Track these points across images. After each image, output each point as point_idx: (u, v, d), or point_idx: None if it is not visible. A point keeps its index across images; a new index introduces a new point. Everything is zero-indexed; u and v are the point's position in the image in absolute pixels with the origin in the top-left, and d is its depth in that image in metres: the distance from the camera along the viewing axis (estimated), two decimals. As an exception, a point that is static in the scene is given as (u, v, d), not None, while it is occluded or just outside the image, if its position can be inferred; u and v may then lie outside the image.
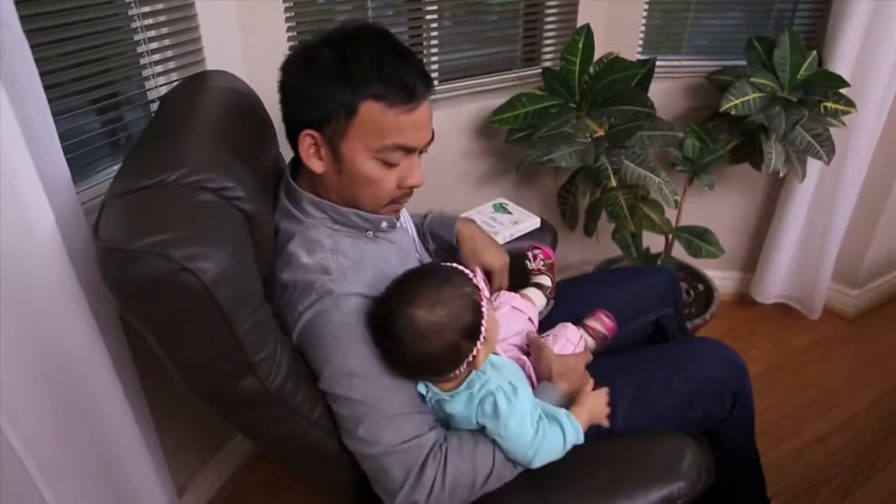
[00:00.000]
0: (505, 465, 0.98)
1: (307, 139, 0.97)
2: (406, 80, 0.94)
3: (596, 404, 1.05)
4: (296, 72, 0.97)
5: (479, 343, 0.93)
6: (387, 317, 0.92)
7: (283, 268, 0.99)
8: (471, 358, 0.93)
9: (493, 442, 0.97)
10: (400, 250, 1.09)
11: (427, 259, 1.21)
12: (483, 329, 0.93)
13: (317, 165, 0.99)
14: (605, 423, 1.06)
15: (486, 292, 0.95)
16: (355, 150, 0.96)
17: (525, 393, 0.98)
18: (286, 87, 0.99)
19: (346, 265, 0.97)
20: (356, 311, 0.94)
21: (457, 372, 0.95)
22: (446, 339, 0.91)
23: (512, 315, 1.20)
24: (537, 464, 0.97)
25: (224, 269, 0.79)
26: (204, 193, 0.86)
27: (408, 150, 0.99)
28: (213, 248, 0.79)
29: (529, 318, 1.22)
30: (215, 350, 0.85)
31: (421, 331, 0.90)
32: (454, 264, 0.98)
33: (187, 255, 0.76)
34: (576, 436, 0.98)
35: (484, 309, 0.93)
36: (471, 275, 0.96)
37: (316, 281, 0.95)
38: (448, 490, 0.94)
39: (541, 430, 0.95)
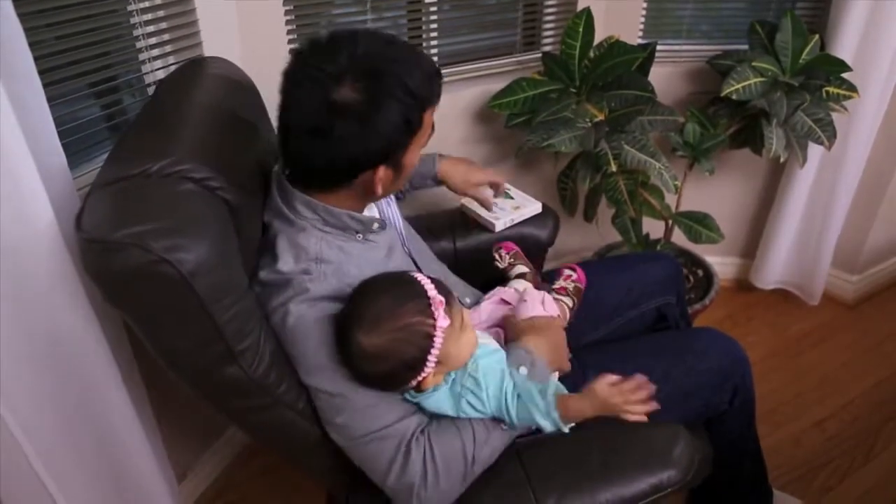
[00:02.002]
0: (490, 431, 0.98)
1: (378, 173, 0.94)
2: (436, 71, 0.94)
3: (600, 392, 0.97)
4: (355, 126, 0.88)
5: (423, 372, 0.91)
6: (338, 330, 0.92)
7: (265, 265, 0.99)
8: (418, 379, 0.92)
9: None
10: (386, 250, 1.08)
11: (415, 250, 1.20)
12: (431, 360, 0.90)
13: (380, 189, 0.97)
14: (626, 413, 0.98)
15: (442, 321, 0.90)
16: (413, 154, 0.97)
17: (485, 368, 0.97)
18: (346, 146, 0.90)
19: (327, 272, 0.97)
20: (327, 312, 0.94)
21: (411, 385, 0.95)
22: (386, 365, 0.90)
23: (498, 307, 1.20)
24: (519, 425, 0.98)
25: (203, 259, 0.79)
26: (187, 184, 0.86)
27: None
28: (192, 239, 0.79)
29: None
30: (196, 339, 0.85)
31: (365, 352, 0.88)
32: (421, 280, 0.94)
33: (166, 247, 0.76)
34: (546, 419, 0.94)
35: (436, 339, 0.89)
36: (431, 300, 0.90)
37: (294, 279, 0.95)
38: (441, 467, 0.94)
39: (509, 410, 0.96)
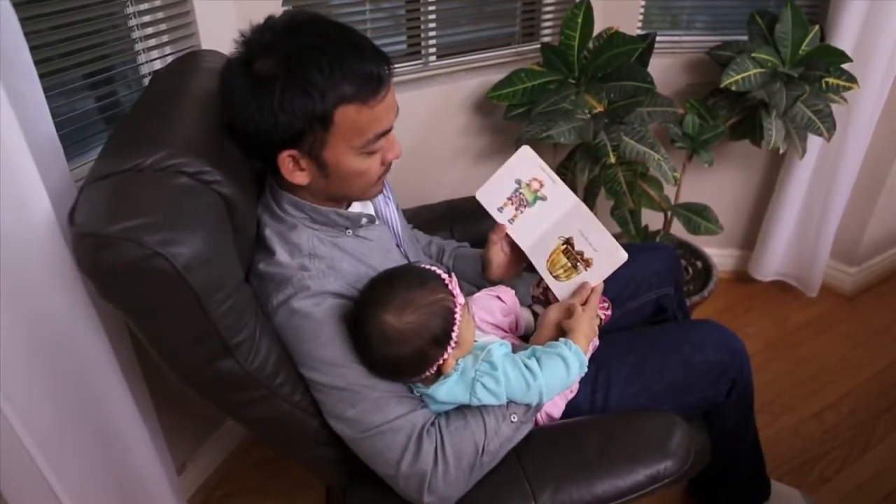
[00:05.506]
0: (500, 423, 0.98)
1: (287, 160, 0.94)
2: (371, 71, 0.89)
3: (585, 324, 1.05)
4: (248, 98, 0.89)
5: (448, 350, 0.94)
6: (358, 317, 0.93)
7: (261, 259, 0.99)
8: (441, 361, 0.94)
9: (479, 407, 0.98)
10: (380, 247, 1.08)
11: (411, 253, 1.20)
12: (454, 336, 0.93)
13: (301, 178, 0.97)
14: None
15: (460, 298, 0.95)
16: (339, 153, 0.94)
17: (498, 353, 0.99)
18: (242, 116, 0.92)
19: (322, 268, 0.97)
20: (333, 308, 0.94)
21: (426, 375, 0.96)
22: (413, 345, 0.92)
23: (489, 298, 1.20)
24: (549, 399, 1.01)
25: (197, 253, 0.79)
26: (180, 177, 0.85)
27: (386, 133, 0.97)
28: (186, 233, 0.79)
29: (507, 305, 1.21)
30: (191, 333, 0.85)
31: (388, 335, 0.91)
32: (430, 266, 0.98)
33: (160, 240, 0.76)
34: (577, 360, 1.00)
35: (457, 315, 0.94)
36: (446, 279, 0.96)
37: (294, 276, 0.95)
38: (452, 457, 0.94)
39: (533, 373, 0.97)
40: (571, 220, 1.15)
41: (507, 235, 1.18)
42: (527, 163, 1.18)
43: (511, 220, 1.18)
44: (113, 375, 1.10)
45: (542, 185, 1.17)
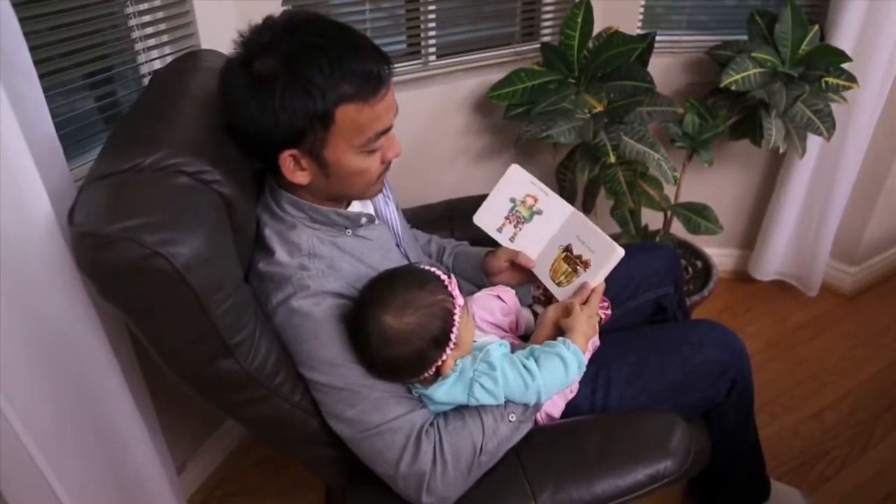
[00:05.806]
0: (498, 423, 0.98)
1: (288, 160, 0.94)
2: (371, 70, 0.89)
3: (583, 322, 1.05)
4: (248, 98, 0.89)
5: (447, 351, 0.94)
6: (358, 318, 0.93)
7: (261, 258, 0.99)
8: (439, 362, 0.95)
9: (478, 407, 0.98)
10: (380, 247, 1.08)
11: (411, 253, 1.21)
12: (453, 337, 0.94)
13: (302, 178, 0.97)
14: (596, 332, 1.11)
15: (460, 300, 0.96)
16: (339, 152, 0.94)
17: (497, 353, 0.99)
18: (242, 116, 0.92)
19: (321, 267, 0.97)
20: (333, 308, 0.94)
21: (424, 376, 0.96)
22: (412, 346, 0.92)
23: (489, 298, 1.20)
24: (547, 398, 1.01)
25: (197, 252, 0.79)
26: (180, 177, 0.86)
27: (386, 132, 0.97)
28: (186, 233, 0.79)
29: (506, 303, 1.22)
30: (191, 333, 0.85)
31: (388, 336, 0.91)
32: (430, 268, 0.99)
33: (159, 240, 0.76)
34: (576, 359, 1.00)
35: (456, 317, 0.94)
36: (446, 280, 0.96)
37: (294, 275, 0.95)
38: (450, 457, 0.94)
39: (531, 373, 0.97)
40: (569, 228, 1.17)
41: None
42: (518, 181, 1.23)
43: (511, 239, 1.22)
44: (113, 375, 1.10)
45: (536, 201, 1.21)
